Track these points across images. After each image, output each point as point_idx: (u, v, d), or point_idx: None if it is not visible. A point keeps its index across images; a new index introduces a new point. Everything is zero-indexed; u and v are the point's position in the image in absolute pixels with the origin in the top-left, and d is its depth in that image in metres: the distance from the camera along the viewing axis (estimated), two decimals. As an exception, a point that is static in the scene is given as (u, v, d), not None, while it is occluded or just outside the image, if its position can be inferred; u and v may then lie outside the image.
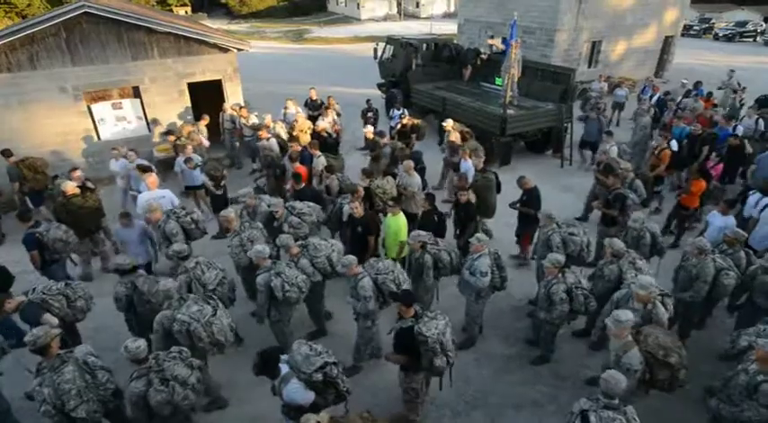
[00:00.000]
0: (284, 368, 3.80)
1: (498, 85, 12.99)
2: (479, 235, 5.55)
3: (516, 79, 11.04)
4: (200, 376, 4.07)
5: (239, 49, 11.59)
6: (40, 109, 9.90)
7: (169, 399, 3.79)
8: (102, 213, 7.37)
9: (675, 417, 4.86)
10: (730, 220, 6.38)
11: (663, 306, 4.62)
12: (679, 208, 8.07)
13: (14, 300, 4.85)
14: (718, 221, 6.40)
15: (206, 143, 10.24)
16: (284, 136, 10.10)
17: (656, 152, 9.05)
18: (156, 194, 7.05)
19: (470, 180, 7.42)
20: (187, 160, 8.50)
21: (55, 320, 4.65)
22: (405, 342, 4.27)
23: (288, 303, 5.15)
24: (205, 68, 11.33)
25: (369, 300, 4.91)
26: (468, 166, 7.94)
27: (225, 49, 11.39)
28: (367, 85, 18.36)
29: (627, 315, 4.10)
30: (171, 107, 11.28)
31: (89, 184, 7.60)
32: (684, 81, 14.46)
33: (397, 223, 6.23)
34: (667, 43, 20.87)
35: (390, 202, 6.55)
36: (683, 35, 25.57)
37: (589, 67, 19.08)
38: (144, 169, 7.69)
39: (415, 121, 10.95)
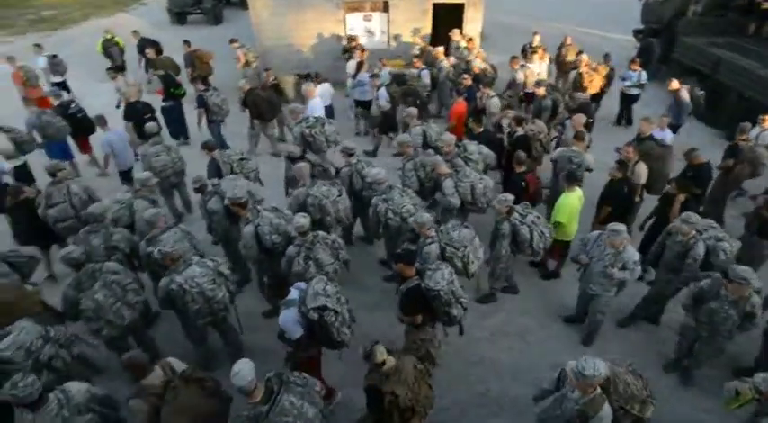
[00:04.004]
0: (294, 294, 3.93)
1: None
2: (614, 226, 4.58)
3: None
4: (338, 268, 4.71)
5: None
6: (309, 13, 11.38)
7: (303, 273, 4.47)
8: (279, 107, 8.70)
9: None
10: None
11: None
12: None
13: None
14: None
15: None
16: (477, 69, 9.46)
17: None
18: (313, 100, 8.10)
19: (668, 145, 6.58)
20: (373, 76, 8.96)
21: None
22: (414, 302, 4.11)
23: (387, 229, 5.37)
24: (452, -10, 11.28)
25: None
26: (667, 135, 7.02)
27: (476, -29, 11.07)
28: (620, 31, 15.90)
29: (597, 368, 3.01)
30: (412, 26, 11.72)
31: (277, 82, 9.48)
32: None
33: (565, 201, 5.47)
34: None
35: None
36: None
37: None
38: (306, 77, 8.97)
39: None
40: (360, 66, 9.55)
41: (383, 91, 8.50)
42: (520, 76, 9.19)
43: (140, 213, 5.13)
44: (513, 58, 9.52)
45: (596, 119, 9.98)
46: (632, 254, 4.60)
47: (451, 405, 4.65)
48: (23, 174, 6.90)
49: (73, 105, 7.92)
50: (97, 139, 7.66)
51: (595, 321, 5.13)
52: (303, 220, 4.56)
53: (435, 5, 11.51)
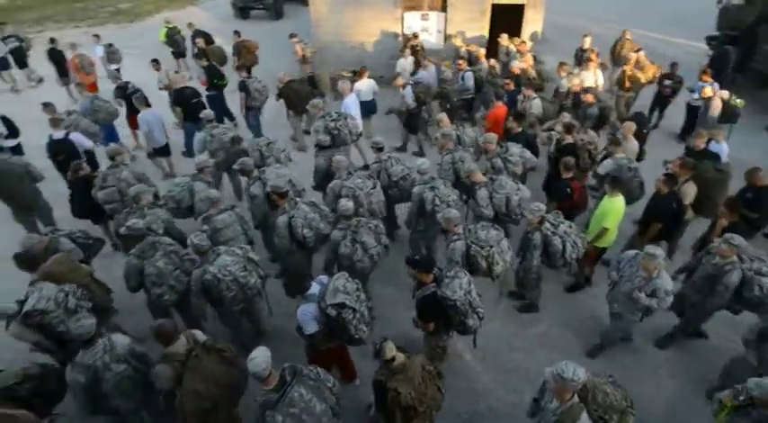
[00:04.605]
0: (315, 288, 3.94)
1: None
2: (651, 249, 4.24)
3: None
4: (381, 252, 4.86)
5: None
6: (366, 11, 11.48)
7: (351, 255, 4.65)
8: (310, 98, 8.62)
9: None
10: None
11: None
12: None
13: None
14: None
15: None
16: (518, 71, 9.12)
17: None
18: (348, 97, 8.15)
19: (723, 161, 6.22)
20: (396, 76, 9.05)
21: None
22: (430, 309, 4.09)
23: (432, 218, 5.33)
24: (513, -10, 11.02)
25: (454, 265, 4.54)
26: (723, 148, 6.54)
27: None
28: (685, 35, 14.95)
29: (576, 373, 2.91)
30: (469, 26, 11.53)
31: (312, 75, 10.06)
32: None
33: (610, 206, 5.25)
34: None
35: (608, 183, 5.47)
36: None
37: None
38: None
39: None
40: (418, 64, 9.69)
41: (409, 89, 8.55)
42: (564, 84, 8.76)
43: (200, 194, 5.40)
44: (561, 64, 9.08)
45: (658, 128, 9.50)
46: (666, 282, 4.27)
47: (486, 411, 4.62)
48: (88, 158, 7.27)
49: (130, 86, 8.59)
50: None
51: (610, 337, 4.96)
52: (349, 203, 4.74)
53: (494, 6, 11.30)
